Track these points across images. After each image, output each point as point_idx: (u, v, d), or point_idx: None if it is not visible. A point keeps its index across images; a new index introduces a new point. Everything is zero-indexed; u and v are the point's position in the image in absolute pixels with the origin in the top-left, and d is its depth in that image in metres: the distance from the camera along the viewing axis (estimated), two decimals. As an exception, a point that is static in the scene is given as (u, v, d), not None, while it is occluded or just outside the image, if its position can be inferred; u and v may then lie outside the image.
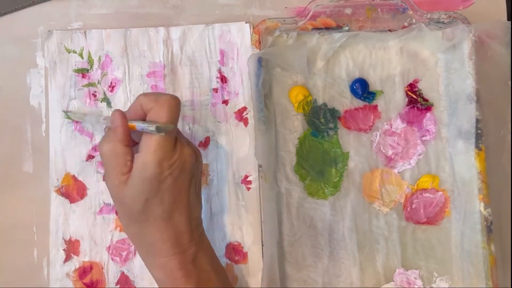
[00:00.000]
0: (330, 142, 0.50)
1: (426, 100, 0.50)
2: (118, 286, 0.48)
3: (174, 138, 0.39)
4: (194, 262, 0.40)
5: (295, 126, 0.50)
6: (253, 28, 0.49)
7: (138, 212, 0.39)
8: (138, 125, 0.38)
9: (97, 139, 0.50)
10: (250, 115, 0.50)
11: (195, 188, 0.42)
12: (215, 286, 0.41)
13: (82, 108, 0.50)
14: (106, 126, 0.44)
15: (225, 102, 0.50)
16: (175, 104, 0.39)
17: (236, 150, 0.50)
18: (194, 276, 0.40)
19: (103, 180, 0.47)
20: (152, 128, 0.37)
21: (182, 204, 0.40)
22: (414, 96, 0.50)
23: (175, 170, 0.38)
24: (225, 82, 0.50)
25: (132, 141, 0.40)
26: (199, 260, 0.41)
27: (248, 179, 0.49)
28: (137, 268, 0.48)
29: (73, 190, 0.49)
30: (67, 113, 0.49)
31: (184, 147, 0.40)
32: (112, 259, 0.49)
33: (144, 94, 0.40)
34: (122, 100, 0.50)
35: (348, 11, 0.49)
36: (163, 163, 0.38)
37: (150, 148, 0.38)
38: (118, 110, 0.40)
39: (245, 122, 0.50)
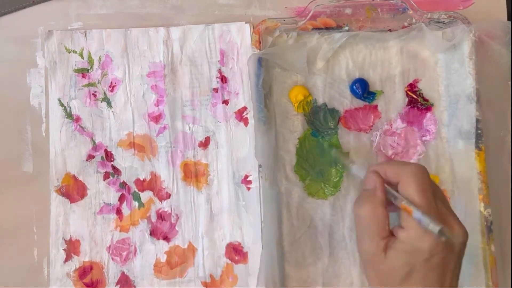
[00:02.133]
0: (330, 142, 0.50)
1: (426, 100, 0.50)
2: (118, 286, 0.48)
3: (438, 214, 0.37)
4: None
5: (295, 126, 0.50)
6: (253, 28, 0.49)
7: (396, 282, 0.37)
8: (417, 215, 0.36)
9: (97, 139, 0.50)
10: (250, 115, 0.50)
11: (458, 272, 0.38)
12: None
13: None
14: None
15: (225, 102, 0.50)
16: (423, 177, 0.37)
17: (236, 150, 0.50)
18: None
19: (358, 243, 0.41)
20: (434, 229, 0.35)
21: (445, 285, 0.37)
22: (414, 96, 0.50)
23: (445, 248, 0.36)
24: (225, 82, 0.50)
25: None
26: None
27: (248, 179, 0.49)
28: (137, 268, 0.49)
29: (73, 190, 0.49)
30: (334, 151, 0.48)
31: (456, 225, 0.37)
32: (112, 259, 0.49)
33: (390, 165, 0.39)
34: (122, 100, 0.50)
35: (348, 11, 0.49)
36: (434, 242, 0.35)
37: (425, 232, 0.35)
38: (375, 172, 0.39)
39: (245, 122, 0.50)
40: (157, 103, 0.50)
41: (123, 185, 0.49)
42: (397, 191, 0.38)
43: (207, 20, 0.51)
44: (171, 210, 0.49)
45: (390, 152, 0.50)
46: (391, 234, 0.38)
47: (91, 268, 0.48)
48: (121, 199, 0.49)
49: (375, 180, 0.38)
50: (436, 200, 0.37)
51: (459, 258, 0.37)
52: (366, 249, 0.38)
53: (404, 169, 0.37)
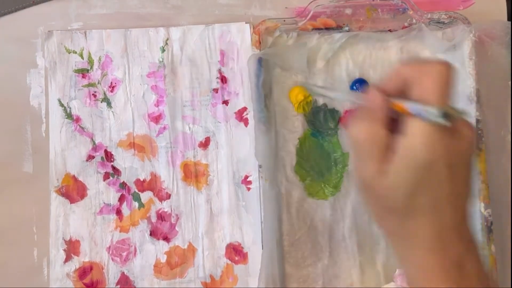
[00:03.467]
0: (330, 143, 0.50)
1: (426, 100, 0.50)
2: (118, 286, 0.48)
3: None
4: (460, 266, 0.31)
5: (295, 126, 0.50)
6: (253, 28, 0.49)
7: (400, 204, 0.32)
8: (413, 107, 0.30)
9: (97, 139, 0.50)
10: (250, 115, 0.50)
11: (466, 177, 0.33)
12: None
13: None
14: (355, 104, 0.36)
15: (225, 102, 0.50)
16: (448, 74, 0.30)
17: (236, 150, 0.50)
18: (455, 283, 0.31)
19: (354, 169, 0.35)
20: (436, 113, 0.29)
21: (457, 197, 0.32)
22: (414, 96, 0.50)
23: (452, 157, 0.30)
24: (225, 83, 0.50)
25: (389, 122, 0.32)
26: (466, 265, 0.32)
27: (248, 179, 0.49)
28: (137, 269, 0.48)
29: (73, 190, 0.49)
30: (307, 85, 0.43)
31: (465, 127, 0.31)
32: (112, 259, 0.49)
33: (406, 63, 0.32)
34: (122, 100, 0.50)
35: (348, 11, 0.49)
36: (436, 150, 0.30)
37: (421, 131, 0.30)
38: (377, 87, 0.32)
39: (245, 122, 0.50)
40: (157, 104, 0.50)
41: (123, 185, 0.49)
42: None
43: (207, 20, 0.51)
44: (171, 210, 0.49)
45: (390, 152, 0.49)
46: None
47: (91, 268, 0.48)
48: (121, 199, 0.49)
49: (377, 97, 0.32)
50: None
51: (466, 164, 0.32)
52: (363, 174, 0.33)
53: (427, 66, 0.31)
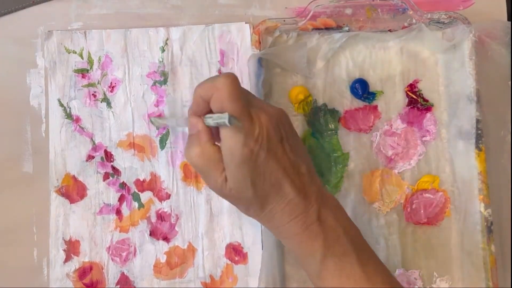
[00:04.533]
0: (330, 143, 0.50)
1: (426, 101, 0.50)
2: (118, 286, 0.48)
3: (248, 112, 0.37)
4: (319, 220, 0.38)
5: (295, 126, 0.49)
6: (253, 28, 0.49)
7: (251, 197, 0.38)
8: (209, 122, 0.37)
9: (97, 139, 0.50)
10: (250, 115, 0.50)
11: (292, 147, 0.39)
12: (345, 243, 0.38)
13: (165, 116, 0.50)
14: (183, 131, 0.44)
15: (225, 102, 0.50)
16: (232, 83, 0.36)
17: (236, 150, 0.50)
18: (320, 235, 0.37)
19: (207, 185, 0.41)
20: (224, 120, 0.35)
21: (285, 169, 0.38)
22: (414, 97, 0.50)
23: (262, 142, 0.36)
24: (225, 83, 0.50)
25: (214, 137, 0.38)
26: (323, 217, 0.38)
27: (248, 179, 0.49)
28: (137, 268, 0.48)
29: (73, 191, 0.49)
30: (151, 119, 0.49)
31: (261, 115, 0.37)
32: (112, 259, 0.49)
33: (200, 85, 0.38)
34: (122, 101, 0.50)
35: (348, 11, 0.49)
36: (247, 142, 0.36)
37: (229, 133, 0.36)
38: (193, 116, 0.38)
39: (245, 122, 0.50)
40: (157, 104, 0.50)
41: (123, 185, 0.49)
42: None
43: (207, 20, 0.51)
44: (171, 210, 0.49)
45: (390, 153, 0.49)
46: None
47: (91, 268, 0.48)
48: (121, 199, 0.49)
49: (195, 122, 0.38)
50: (251, 102, 0.38)
51: (282, 138, 0.38)
52: (214, 189, 0.39)
53: (215, 82, 0.37)
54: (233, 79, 0.37)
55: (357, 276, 0.37)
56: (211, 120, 0.36)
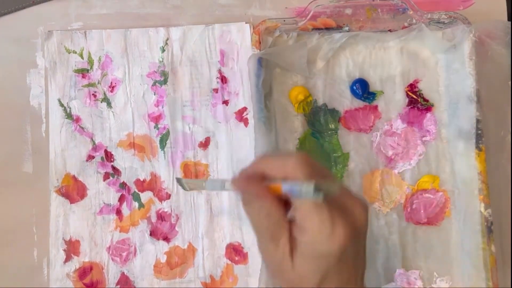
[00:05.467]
0: (330, 143, 0.50)
1: (427, 101, 0.50)
2: (118, 286, 0.48)
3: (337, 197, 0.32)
4: None
5: (295, 126, 0.50)
6: (253, 28, 0.49)
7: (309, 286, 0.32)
8: (286, 186, 0.31)
9: (97, 139, 0.50)
10: (250, 115, 0.50)
11: (365, 249, 0.34)
12: None
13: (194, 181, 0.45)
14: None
15: (225, 102, 0.50)
16: (308, 162, 0.31)
17: (236, 150, 0.50)
18: None
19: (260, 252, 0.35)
20: (308, 189, 0.29)
21: (359, 270, 0.33)
22: (414, 97, 0.50)
23: (353, 238, 0.31)
24: (225, 83, 0.50)
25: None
26: None
27: (248, 179, 0.49)
28: (137, 269, 0.48)
29: (73, 191, 0.49)
30: (181, 181, 0.40)
31: (355, 205, 0.32)
32: (112, 259, 0.49)
33: (265, 161, 0.33)
34: (122, 101, 0.50)
35: (348, 11, 0.49)
36: (336, 236, 0.30)
37: (313, 220, 0.30)
38: (250, 176, 0.33)
39: (245, 122, 0.50)
40: (157, 104, 0.50)
41: (123, 185, 0.49)
42: None
43: (207, 20, 0.51)
44: (171, 210, 0.49)
45: (390, 153, 0.49)
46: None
47: (91, 268, 0.48)
48: (121, 199, 0.49)
49: (254, 182, 0.32)
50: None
51: (365, 238, 0.33)
52: (271, 259, 0.33)
53: (287, 161, 0.32)
54: (307, 158, 0.32)
55: None
56: (288, 184, 0.31)
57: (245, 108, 0.50)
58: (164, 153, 0.50)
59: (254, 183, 0.32)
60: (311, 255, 0.31)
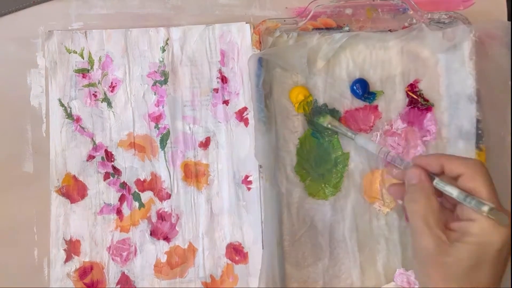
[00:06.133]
0: (330, 143, 0.50)
1: (427, 101, 0.50)
2: (119, 286, 0.48)
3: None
4: None
5: (295, 126, 0.50)
6: (254, 28, 0.49)
7: (463, 274, 0.35)
8: (459, 195, 0.36)
9: (98, 139, 0.50)
10: (250, 115, 0.50)
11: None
12: None
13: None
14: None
15: (226, 102, 0.50)
16: (487, 172, 0.36)
17: (237, 150, 0.50)
18: None
19: (413, 242, 0.39)
20: (484, 208, 0.34)
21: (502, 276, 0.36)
22: (414, 97, 0.50)
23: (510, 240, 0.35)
24: (226, 82, 0.50)
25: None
26: None
27: (248, 179, 0.49)
28: (138, 268, 0.49)
29: (73, 190, 0.49)
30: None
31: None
32: (113, 259, 0.49)
33: (448, 157, 0.38)
34: (123, 100, 0.50)
35: (348, 11, 0.49)
36: (506, 235, 0.34)
37: (487, 225, 0.35)
38: (418, 166, 0.38)
39: (246, 122, 0.50)
40: (158, 104, 0.50)
41: (124, 185, 0.49)
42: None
43: (208, 20, 0.51)
44: (172, 210, 0.49)
45: (390, 152, 0.49)
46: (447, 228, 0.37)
47: (91, 268, 0.48)
48: (122, 199, 0.49)
49: (419, 173, 0.38)
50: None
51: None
52: (426, 245, 0.36)
53: (469, 162, 0.37)
54: (485, 167, 0.37)
55: None
56: (462, 195, 0.36)
57: (245, 108, 0.50)
58: (164, 153, 0.50)
59: (427, 176, 0.38)
60: (476, 241, 0.35)
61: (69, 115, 0.50)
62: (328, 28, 0.49)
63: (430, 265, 0.36)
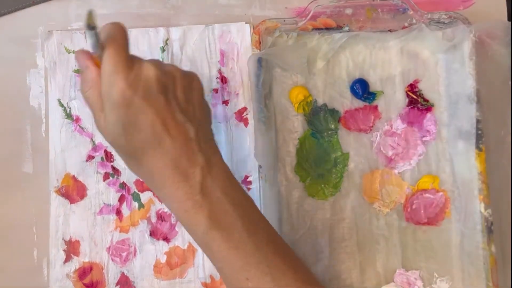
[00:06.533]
0: (330, 143, 0.50)
1: (427, 101, 0.50)
2: (118, 286, 0.48)
3: (125, 57, 0.35)
4: (203, 192, 0.36)
5: (295, 126, 0.50)
6: (253, 28, 0.49)
7: (124, 146, 0.36)
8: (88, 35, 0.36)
9: (97, 139, 0.50)
10: (250, 115, 0.50)
11: (184, 108, 0.37)
12: (233, 216, 0.36)
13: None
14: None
15: (225, 102, 0.50)
16: (125, 33, 0.37)
17: (236, 150, 0.50)
18: (205, 207, 0.36)
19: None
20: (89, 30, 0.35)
21: (165, 125, 0.36)
22: (414, 97, 0.50)
23: (139, 90, 0.35)
24: (225, 83, 0.50)
25: None
26: (209, 189, 0.36)
27: (248, 179, 0.49)
28: (137, 269, 0.48)
29: (73, 191, 0.49)
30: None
31: (143, 63, 0.36)
32: (112, 259, 0.49)
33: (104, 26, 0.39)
34: (122, 101, 0.50)
35: (348, 11, 0.49)
36: (120, 84, 0.34)
37: (107, 72, 0.35)
38: (83, 52, 0.38)
39: (245, 122, 0.50)
40: (157, 104, 0.50)
41: (123, 185, 0.49)
42: None
43: (207, 20, 0.51)
44: (171, 210, 0.49)
45: (390, 153, 0.49)
46: None
47: (91, 268, 0.48)
48: (121, 199, 0.49)
49: (82, 56, 0.37)
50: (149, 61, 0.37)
51: (168, 93, 0.36)
52: (98, 127, 0.37)
53: (116, 23, 0.38)
54: (125, 31, 0.37)
55: (247, 247, 0.36)
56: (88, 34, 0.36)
57: (245, 108, 0.50)
58: (164, 153, 0.50)
59: (89, 58, 0.37)
60: (108, 105, 0.35)
61: (69, 115, 0.50)
62: (328, 28, 0.49)
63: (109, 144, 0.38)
